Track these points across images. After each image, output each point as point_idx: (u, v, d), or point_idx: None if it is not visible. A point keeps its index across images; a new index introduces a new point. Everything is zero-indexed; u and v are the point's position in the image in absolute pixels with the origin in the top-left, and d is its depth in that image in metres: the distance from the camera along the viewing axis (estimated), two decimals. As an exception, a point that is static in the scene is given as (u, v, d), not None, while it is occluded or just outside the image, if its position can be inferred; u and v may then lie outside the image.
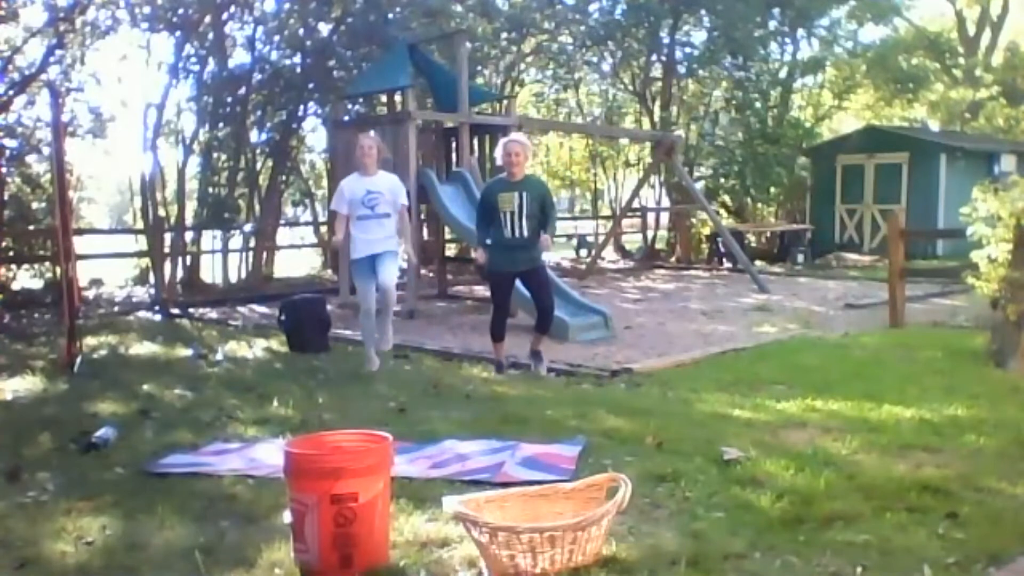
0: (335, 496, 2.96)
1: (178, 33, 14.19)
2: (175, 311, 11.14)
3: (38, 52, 12.67)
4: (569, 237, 22.49)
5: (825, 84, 21.58)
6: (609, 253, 19.40)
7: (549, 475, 3.96)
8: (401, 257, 6.98)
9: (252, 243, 15.36)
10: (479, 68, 16.58)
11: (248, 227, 15.40)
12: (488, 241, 6.52)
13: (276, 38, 15.16)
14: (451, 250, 14.75)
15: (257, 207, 15.92)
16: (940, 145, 17.71)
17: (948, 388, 5.61)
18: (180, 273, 14.20)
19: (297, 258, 18.36)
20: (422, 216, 12.17)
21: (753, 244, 18.59)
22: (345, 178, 6.96)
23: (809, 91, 21.67)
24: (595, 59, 19.70)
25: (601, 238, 19.52)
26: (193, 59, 14.81)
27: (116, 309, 11.87)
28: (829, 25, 20.52)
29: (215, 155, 15.34)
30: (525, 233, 6.33)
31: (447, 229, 12.22)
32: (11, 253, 13.02)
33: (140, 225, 15.20)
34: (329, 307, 8.51)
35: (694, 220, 19.00)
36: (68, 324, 7.22)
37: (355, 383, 6.38)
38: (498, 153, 6.47)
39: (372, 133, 7.31)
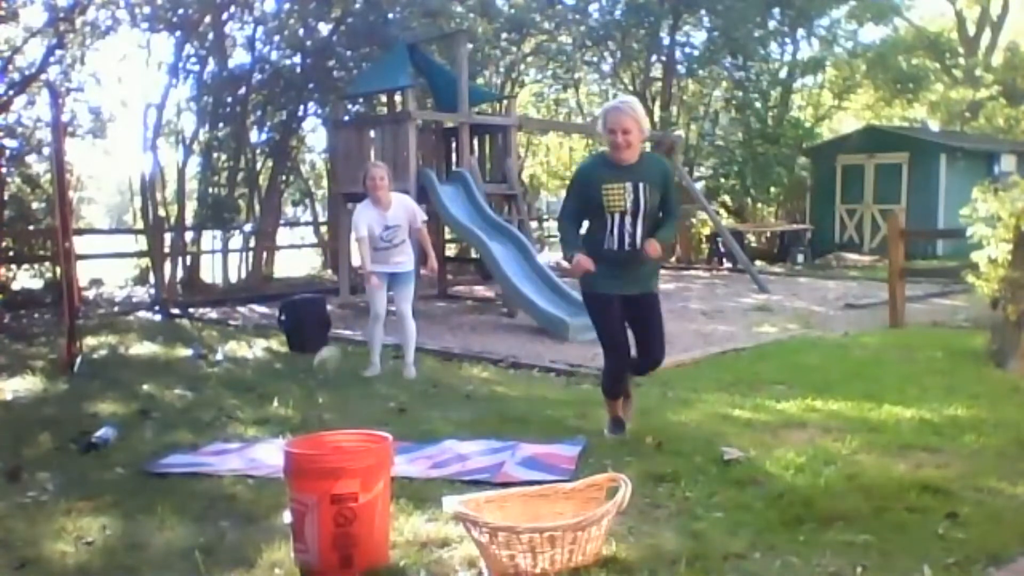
0: (335, 496, 2.96)
1: (178, 33, 14.19)
2: (175, 311, 11.14)
3: (38, 52, 12.70)
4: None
5: (825, 84, 21.59)
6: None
7: (549, 475, 3.96)
8: (432, 268, 6.78)
9: (252, 243, 15.36)
10: (479, 68, 16.56)
11: (248, 227, 15.40)
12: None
13: (276, 38, 15.16)
14: (451, 250, 14.74)
15: (257, 207, 15.92)
16: (940, 145, 17.71)
17: (948, 388, 5.61)
18: (180, 273, 14.20)
19: (297, 258, 18.37)
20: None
21: (753, 244, 18.59)
22: (360, 208, 6.53)
23: (809, 91, 21.67)
24: (595, 59, 19.70)
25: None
26: (193, 59, 14.82)
27: (116, 309, 11.87)
28: (829, 25, 20.52)
29: (215, 155, 15.35)
30: (638, 242, 4.36)
31: (447, 229, 12.21)
32: (11, 253, 13.02)
33: (140, 225, 15.20)
34: (329, 307, 8.52)
35: (694, 220, 18.99)
36: (68, 324, 7.22)
37: (355, 383, 6.38)
38: (600, 126, 4.45)
39: (376, 161, 7.06)
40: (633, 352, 4.60)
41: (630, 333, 4.56)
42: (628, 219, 4.33)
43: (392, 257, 6.53)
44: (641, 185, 4.33)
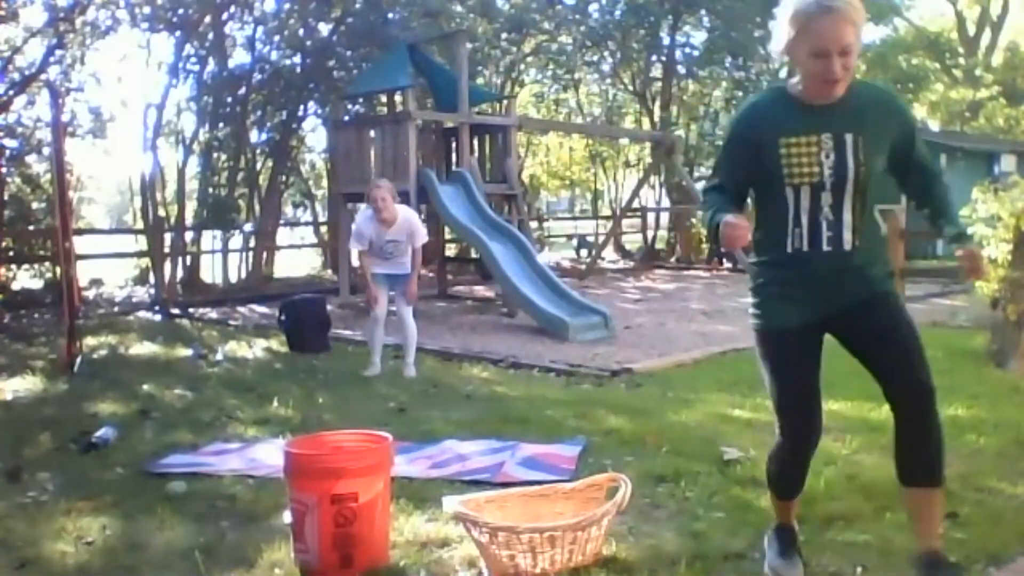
0: (335, 496, 2.96)
1: (178, 33, 14.20)
2: (175, 311, 11.14)
3: (38, 52, 12.71)
4: (569, 237, 22.51)
5: (825, 84, 21.58)
6: (609, 253, 19.41)
7: (549, 475, 3.96)
8: (411, 294, 6.61)
9: (252, 243, 15.36)
10: (479, 68, 16.59)
11: (248, 227, 15.40)
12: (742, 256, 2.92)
13: (276, 38, 15.18)
14: (451, 250, 14.75)
15: (257, 207, 15.93)
16: (940, 145, 17.68)
17: (948, 388, 5.58)
18: (180, 273, 14.21)
19: (297, 258, 18.38)
20: (422, 216, 12.17)
21: (753, 244, 18.57)
22: (362, 217, 6.61)
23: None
24: (595, 59, 19.71)
25: (601, 238, 19.53)
26: (193, 59, 14.83)
27: (116, 309, 11.87)
28: (829, 25, 20.52)
29: (215, 155, 15.36)
30: (848, 239, 2.60)
31: (447, 229, 12.21)
32: (11, 253, 13.03)
33: (140, 225, 15.21)
34: (329, 307, 8.51)
35: (694, 220, 18.99)
36: (68, 324, 7.22)
37: (355, 383, 6.38)
38: (785, 43, 2.51)
39: (381, 178, 6.78)
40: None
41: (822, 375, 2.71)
42: (827, 197, 2.54)
43: (394, 259, 6.57)
44: (849, 138, 2.51)
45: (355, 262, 6.80)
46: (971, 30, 25.08)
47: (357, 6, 14.62)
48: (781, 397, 2.69)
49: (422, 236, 6.64)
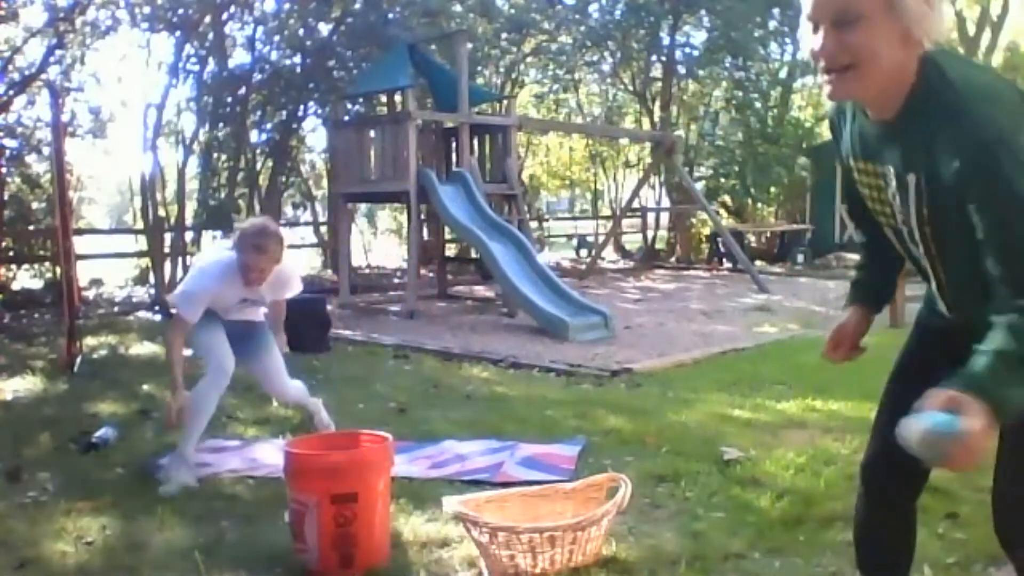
0: (335, 496, 2.97)
1: (178, 33, 14.18)
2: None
3: (38, 52, 12.68)
4: (569, 237, 22.52)
5: (825, 84, 21.60)
6: (609, 253, 19.41)
7: (549, 475, 3.96)
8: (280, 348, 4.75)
9: (252, 243, 15.35)
10: (479, 68, 16.58)
11: (248, 227, 15.39)
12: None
13: (276, 38, 15.16)
14: (451, 250, 14.74)
15: (257, 207, 15.91)
16: (940, 145, 17.68)
17: (948, 388, 5.60)
18: (180, 273, 14.19)
19: (297, 258, 18.37)
20: (422, 216, 12.19)
21: (753, 244, 18.61)
22: (214, 267, 4.49)
23: (809, 91, 21.69)
24: (595, 59, 19.72)
25: (601, 238, 19.53)
26: (193, 59, 14.81)
27: (116, 309, 11.86)
28: (829, 25, 20.54)
29: (215, 155, 15.34)
30: (941, 302, 1.98)
31: (447, 229, 12.21)
32: (11, 253, 13.03)
33: (140, 225, 15.20)
34: (329, 307, 8.51)
35: (694, 220, 19.02)
36: (68, 324, 7.22)
37: (355, 383, 6.37)
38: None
39: (269, 232, 4.50)
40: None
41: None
42: (916, 250, 1.86)
43: (242, 310, 4.58)
44: (911, 179, 1.69)
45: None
46: (971, 30, 25.06)
47: (357, 6, 14.61)
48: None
49: (295, 287, 4.66)
